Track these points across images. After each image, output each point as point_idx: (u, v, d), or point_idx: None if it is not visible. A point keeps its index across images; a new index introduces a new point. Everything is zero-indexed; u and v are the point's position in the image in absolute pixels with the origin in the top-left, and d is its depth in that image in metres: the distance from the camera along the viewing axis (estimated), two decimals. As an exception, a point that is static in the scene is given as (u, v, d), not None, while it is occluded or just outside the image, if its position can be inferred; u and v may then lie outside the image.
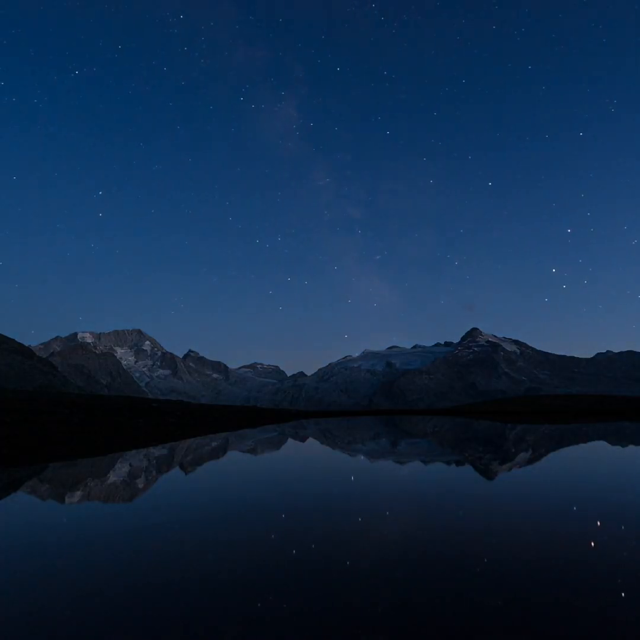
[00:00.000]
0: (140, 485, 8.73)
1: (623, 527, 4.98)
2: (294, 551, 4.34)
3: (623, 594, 3.23)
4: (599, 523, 5.18)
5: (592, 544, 4.41)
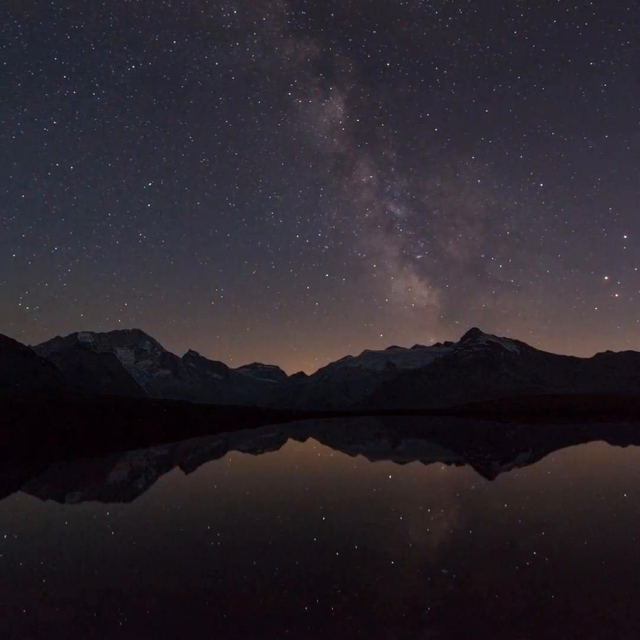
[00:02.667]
0: (140, 486, 8.73)
1: (624, 530, 4.98)
2: (294, 552, 4.34)
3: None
4: (599, 525, 5.18)
5: (593, 544, 4.41)
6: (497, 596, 3.26)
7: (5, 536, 5.16)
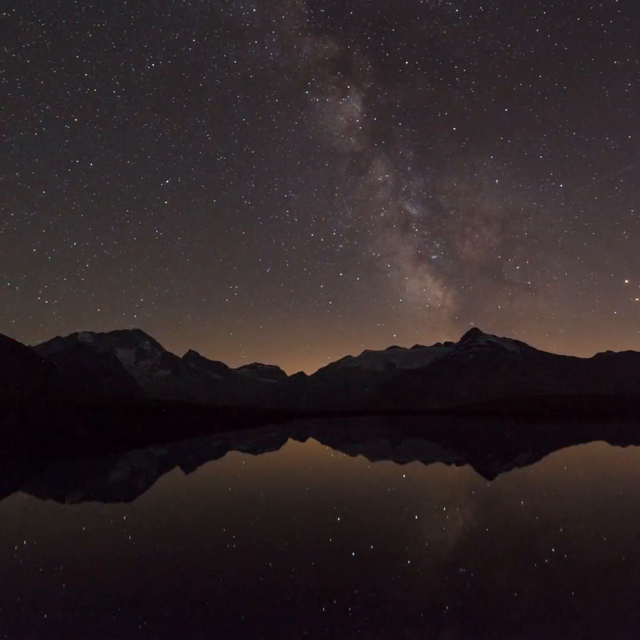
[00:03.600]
0: (140, 486, 8.73)
1: (624, 532, 4.98)
2: (296, 552, 4.34)
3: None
4: (606, 524, 5.18)
5: (592, 545, 4.41)
6: (510, 595, 3.25)
7: (5, 536, 5.16)
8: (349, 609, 3.09)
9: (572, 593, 3.28)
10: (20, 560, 4.30)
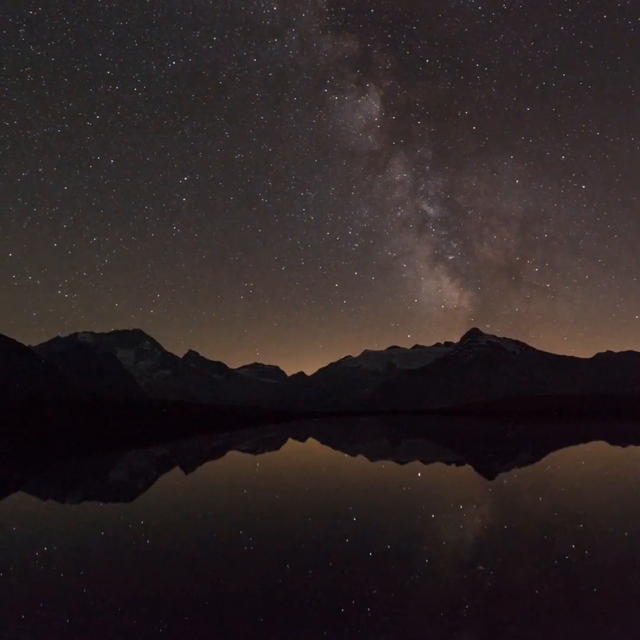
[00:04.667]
0: (140, 486, 8.73)
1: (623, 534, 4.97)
2: (294, 554, 4.33)
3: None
4: (600, 527, 5.17)
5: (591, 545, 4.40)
6: (512, 595, 3.25)
7: (5, 536, 5.16)
8: (349, 609, 3.09)
9: (577, 593, 3.28)
10: (21, 560, 4.30)
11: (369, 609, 3.07)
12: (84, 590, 3.51)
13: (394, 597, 3.27)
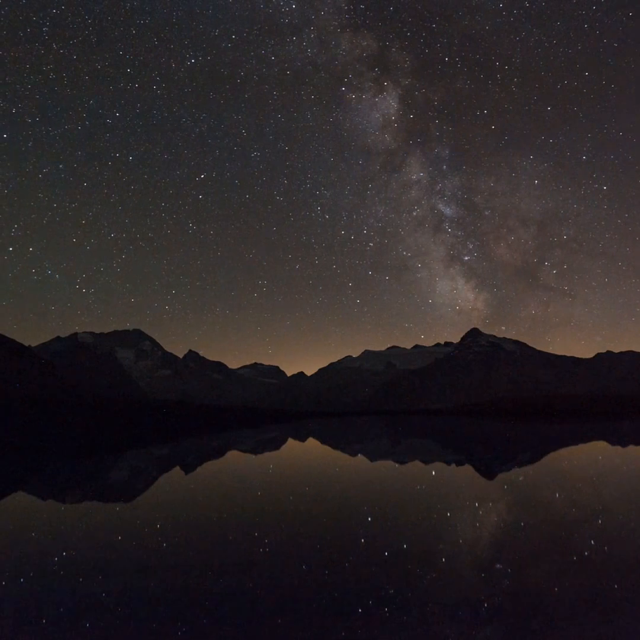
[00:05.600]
0: (140, 486, 8.73)
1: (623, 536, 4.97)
2: (295, 553, 4.33)
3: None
4: (601, 527, 5.17)
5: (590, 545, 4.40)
6: (513, 595, 3.26)
7: (5, 536, 5.16)
8: (349, 609, 3.09)
9: (579, 593, 3.30)
10: (21, 560, 4.30)
11: (368, 610, 3.08)
12: (84, 590, 3.51)
13: (394, 597, 3.27)
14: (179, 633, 2.81)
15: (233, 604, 3.22)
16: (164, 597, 3.36)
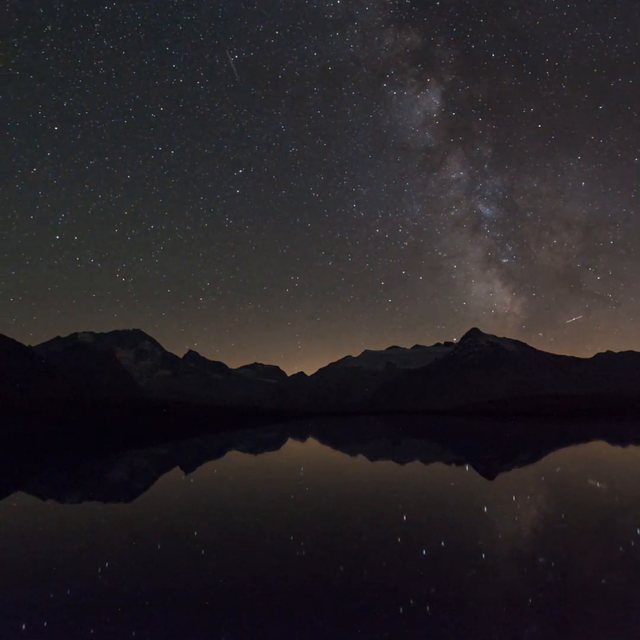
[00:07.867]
0: (140, 486, 8.73)
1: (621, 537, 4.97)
2: (295, 553, 4.33)
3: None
4: (601, 527, 5.17)
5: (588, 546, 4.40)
6: (514, 594, 3.25)
7: (5, 536, 5.16)
8: (350, 609, 3.08)
9: (578, 593, 3.31)
10: (21, 560, 4.30)
11: (368, 610, 3.07)
12: (84, 590, 3.51)
13: (393, 596, 3.27)
14: (180, 633, 2.80)
15: (234, 604, 3.21)
16: (165, 597, 3.35)
